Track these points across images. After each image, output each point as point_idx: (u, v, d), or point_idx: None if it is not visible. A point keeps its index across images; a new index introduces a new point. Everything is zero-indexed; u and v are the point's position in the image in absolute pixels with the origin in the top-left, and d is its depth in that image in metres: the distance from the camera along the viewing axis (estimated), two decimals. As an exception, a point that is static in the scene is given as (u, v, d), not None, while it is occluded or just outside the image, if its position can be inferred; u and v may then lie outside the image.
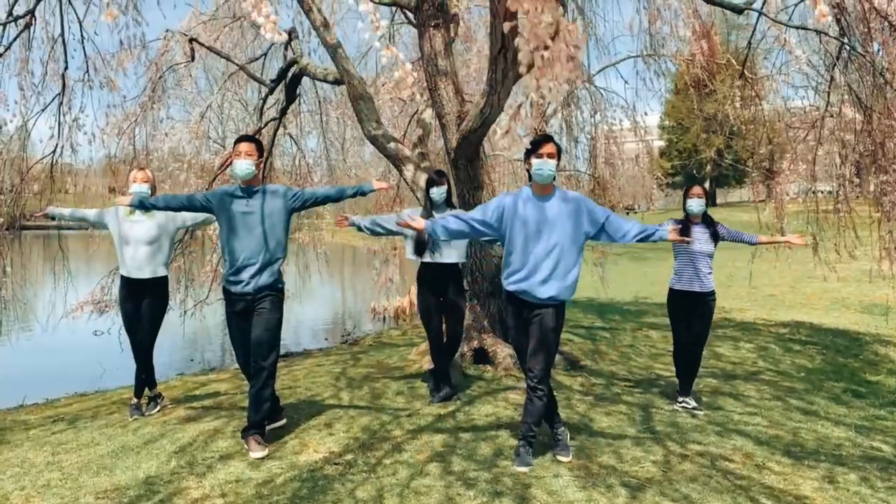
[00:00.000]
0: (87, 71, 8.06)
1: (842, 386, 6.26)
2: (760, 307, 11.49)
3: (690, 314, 5.19)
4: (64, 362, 9.26)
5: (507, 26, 2.03)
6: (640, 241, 3.95)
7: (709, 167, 42.98)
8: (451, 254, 5.21)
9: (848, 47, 6.52)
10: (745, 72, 8.04)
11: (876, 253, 7.21)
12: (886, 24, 6.19)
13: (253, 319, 4.12)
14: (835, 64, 7.14)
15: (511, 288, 3.88)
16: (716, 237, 5.17)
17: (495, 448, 4.11)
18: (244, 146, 4.11)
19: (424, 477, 3.63)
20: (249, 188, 4.15)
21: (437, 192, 5.22)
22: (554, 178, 3.82)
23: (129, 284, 4.95)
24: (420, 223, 3.88)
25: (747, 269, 9.23)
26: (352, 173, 12.52)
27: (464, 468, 3.77)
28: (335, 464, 3.81)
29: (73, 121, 8.04)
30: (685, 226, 5.11)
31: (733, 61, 9.28)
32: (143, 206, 4.34)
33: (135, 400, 5.04)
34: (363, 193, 4.37)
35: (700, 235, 5.12)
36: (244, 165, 4.09)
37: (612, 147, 10.16)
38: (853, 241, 7.59)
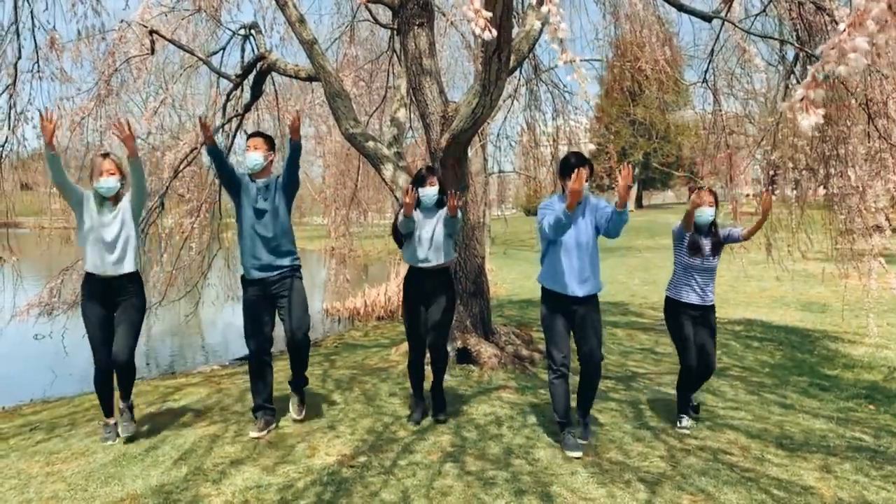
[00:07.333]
0: (38, 61, 7.68)
1: (805, 380, 6.56)
2: (708, 306, 11.88)
3: (698, 328, 4.66)
4: (12, 368, 8.79)
5: None
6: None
7: (637, 170, 44.59)
8: (441, 254, 4.58)
9: (807, 54, 6.81)
10: (707, 79, 8.33)
11: (817, 254, 7.63)
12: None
13: (280, 302, 4.38)
14: (791, 72, 7.49)
15: (556, 289, 4.16)
16: (718, 248, 4.65)
17: (504, 447, 4.13)
18: (253, 140, 4.44)
19: (444, 477, 3.62)
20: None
21: (429, 194, 4.52)
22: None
23: (95, 284, 4.14)
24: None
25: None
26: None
27: (480, 468, 3.77)
28: (350, 466, 3.75)
29: (19, 114, 7.64)
30: (693, 239, 4.61)
31: (669, 69, 9.63)
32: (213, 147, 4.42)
33: (107, 420, 4.23)
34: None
35: (707, 247, 4.61)
36: (253, 158, 4.38)
37: (574, 149, 10.29)
38: (806, 243, 7.97)
